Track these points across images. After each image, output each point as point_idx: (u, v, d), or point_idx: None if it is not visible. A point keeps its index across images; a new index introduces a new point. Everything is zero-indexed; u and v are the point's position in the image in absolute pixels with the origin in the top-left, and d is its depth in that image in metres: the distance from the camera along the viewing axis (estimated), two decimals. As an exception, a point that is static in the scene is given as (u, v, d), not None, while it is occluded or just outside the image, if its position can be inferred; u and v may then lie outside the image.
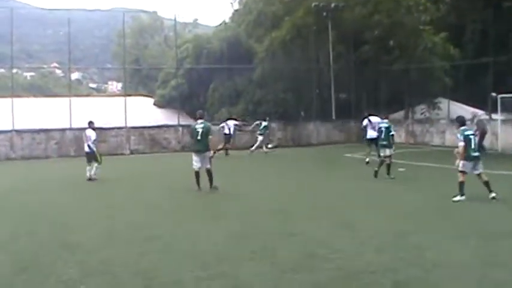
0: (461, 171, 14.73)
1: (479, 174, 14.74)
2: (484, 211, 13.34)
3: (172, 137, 34.86)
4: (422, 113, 37.99)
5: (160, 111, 50.70)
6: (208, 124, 17.68)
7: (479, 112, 34.85)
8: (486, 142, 31.08)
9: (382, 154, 20.15)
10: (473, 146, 14.79)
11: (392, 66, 38.07)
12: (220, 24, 53.35)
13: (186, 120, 42.81)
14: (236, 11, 56.50)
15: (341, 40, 40.79)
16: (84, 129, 21.32)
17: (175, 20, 42.98)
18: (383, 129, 20.21)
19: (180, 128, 35.23)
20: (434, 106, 37.53)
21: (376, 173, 19.71)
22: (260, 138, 31.83)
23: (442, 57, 37.17)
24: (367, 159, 24.43)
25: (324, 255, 9.25)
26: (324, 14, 39.32)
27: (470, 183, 14.66)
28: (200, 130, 17.07)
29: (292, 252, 9.48)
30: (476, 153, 14.89)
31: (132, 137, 33.73)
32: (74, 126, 31.91)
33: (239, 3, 58.00)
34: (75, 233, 11.38)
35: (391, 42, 39.03)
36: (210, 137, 17.24)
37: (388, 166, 19.84)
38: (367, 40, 39.76)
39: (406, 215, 12.83)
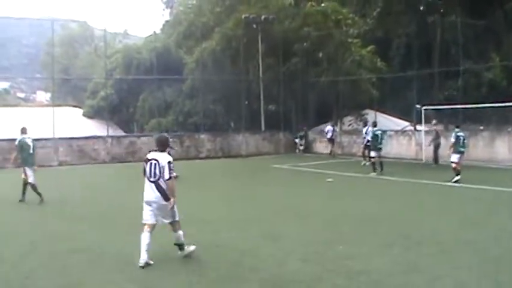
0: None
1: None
2: (407, 219, 13.76)
3: (101, 148, 34.12)
4: (349, 125, 38.57)
5: (89, 122, 50.02)
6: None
7: (405, 124, 35.77)
8: (411, 152, 31.94)
9: (378, 154, 23.98)
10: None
11: (320, 78, 38.51)
12: (151, 35, 53.08)
13: (115, 131, 42.34)
14: (167, 21, 56.34)
15: (271, 52, 41.01)
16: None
17: (105, 30, 42.36)
18: (379, 134, 23.88)
19: (109, 139, 34.65)
20: (361, 118, 38.11)
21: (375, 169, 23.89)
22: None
23: (369, 70, 37.81)
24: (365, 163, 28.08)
25: (251, 265, 9.33)
26: (254, 26, 39.47)
27: (397, 192, 15.00)
28: (31, 144, 17.38)
29: (219, 263, 9.50)
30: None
31: (61, 148, 32.85)
32: (1, 137, 30.87)
33: (170, 14, 58.00)
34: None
35: (320, 55, 39.55)
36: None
37: (381, 163, 23.86)
38: (296, 52, 40.16)
39: (332, 225, 12.99)
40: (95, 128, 43.99)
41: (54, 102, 39.81)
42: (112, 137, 35.60)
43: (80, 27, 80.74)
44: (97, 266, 9.48)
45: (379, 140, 23.60)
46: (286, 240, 11.30)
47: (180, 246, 9.80)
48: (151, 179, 9.56)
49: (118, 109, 49.26)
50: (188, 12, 45.85)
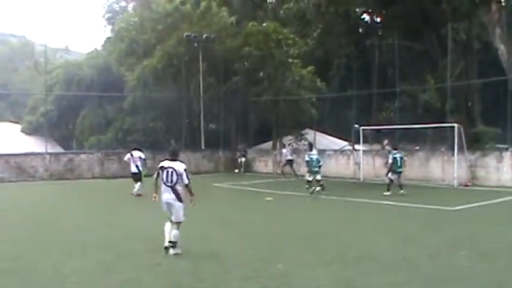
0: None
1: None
2: (345, 237, 13.98)
3: (40, 165, 33.51)
4: (289, 144, 38.79)
5: (27, 138, 48.99)
6: None
7: (344, 143, 36.29)
8: (349, 172, 32.41)
9: (316, 178, 23.42)
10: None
11: (261, 97, 38.79)
12: (92, 51, 52.54)
13: (54, 148, 41.59)
14: (108, 38, 55.79)
15: (212, 70, 41.16)
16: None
17: (45, 45, 41.79)
18: (314, 159, 23.59)
19: (48, 156, 34.09)
20: (301, 137, 38.53)
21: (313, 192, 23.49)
22: None
23: (309, 90, 38.32)
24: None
25: (190, 285, 9.29)
26: (196, 44, 39.56)
27: (336, 211, 15.22)
28: None
29: (158, 283, 9.44)
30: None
31: (-3, 165, 32.29)
32: None
33: (111, 30, 57.46)
34: None
35: (261, 74, 39.86)
36: None
37: (322, 186, 23.47)
38: (237, 71, 40.47)
39: (271, 243, 13.09)
40: (33, 144, 43.08)
41: (-8, 118, 39.14)
42: (51, 153, 35.02)
43: (20, 42, 79.25)
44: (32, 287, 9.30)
45: (315, 164, 23.36)
46: (226, 258, 11.32)
47: (173, 245, 11.52)
48: (168, 184, 11.69)
49: (57, 125, 48.41)
50: (130, 29, 45.40)
